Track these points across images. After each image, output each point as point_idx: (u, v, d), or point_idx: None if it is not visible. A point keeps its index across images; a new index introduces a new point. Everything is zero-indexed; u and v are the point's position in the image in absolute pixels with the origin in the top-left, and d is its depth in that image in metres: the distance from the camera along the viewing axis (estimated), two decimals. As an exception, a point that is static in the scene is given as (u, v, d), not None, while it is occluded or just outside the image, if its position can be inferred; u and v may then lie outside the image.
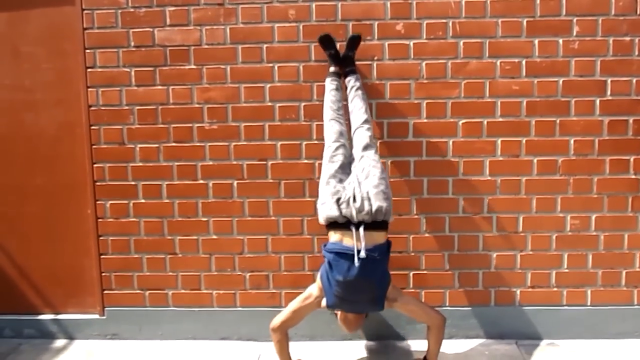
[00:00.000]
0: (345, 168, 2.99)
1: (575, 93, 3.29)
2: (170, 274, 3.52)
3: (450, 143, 3.34)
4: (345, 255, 2.79)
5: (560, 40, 3.26)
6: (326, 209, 2.87)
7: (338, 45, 3.24)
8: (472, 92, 3.31)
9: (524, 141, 3.33)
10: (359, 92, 3.17)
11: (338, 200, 2.84)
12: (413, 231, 3.41)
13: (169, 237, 3.50)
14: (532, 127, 3.32)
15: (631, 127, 3.29)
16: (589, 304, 3.41)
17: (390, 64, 3.32)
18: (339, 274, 2.80)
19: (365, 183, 2.88)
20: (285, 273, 3.47)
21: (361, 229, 2.79)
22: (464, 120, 3.33)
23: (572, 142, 3.32)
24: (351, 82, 3.20)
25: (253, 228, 3.46)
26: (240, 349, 3.43)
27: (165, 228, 3.49)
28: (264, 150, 3.40)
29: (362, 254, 2.75)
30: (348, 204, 2.82)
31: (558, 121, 3.31)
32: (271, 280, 3.49)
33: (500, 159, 3.34)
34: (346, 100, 3.21)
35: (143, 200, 3.48)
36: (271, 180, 3.42)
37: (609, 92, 3.28)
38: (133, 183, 3.47)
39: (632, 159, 3.31)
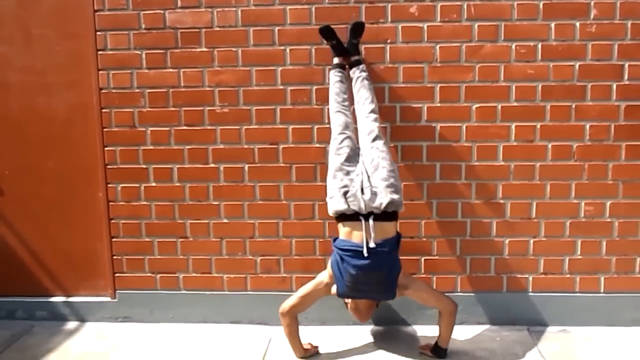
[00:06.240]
0: (352, 160, 2.97)
1: (591, 77, 3.23)
2: (182, 257, 3.53)
3: (464, 128, 3.30)
4: (355, 251, 2.81)
5: (577, 24, 3.20)
6: (334, 203, 2.88)
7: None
8: (487, 76, 3.26)
9: (538, 126, 3.28)
10: (365, 82, 3.13)
11: (345, 193, 2.84)
12: (425, 216, 3.39)
13: (180, 221, 3.50)
14: (547, 112, 3.27)
15: (648, 112, 3.24)
16: (602, 291, 3.38)
17: (403, 47, 3.27)
18: (350, 267, 2.82)
19: (375, 176, 2.87)
20: (296, 257, 3.47)
21: (370, 221, 2.79)
22: (477, 105, 3.29)
23: (587, 127, 3.27)
24: (356, 72, 3.15)
25: (264, 212, 3.45)
26: (251, 333, 3.44)
27: (176, 212, 3.49)
28: (275, 134, 3.38)
29: (372, 244, 2.76)
30: (355, 196, 2.82)
31: (574, 106, 3.26)
32: (282, 265, 3.49)
33: (514, 144, 3.30)
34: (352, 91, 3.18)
35: (154, 184, 3.48)
36: (282, 164, 3.40)
37: (626, 77, 3.22)
38: (144, 166, 3.47)
39: (648, 145, 3.27)
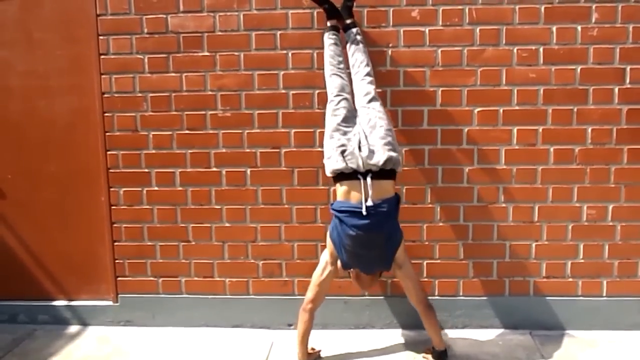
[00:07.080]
0: (349, 121, 2.95)
1: (593, 81, 3.23)
2: (184, 261, 3.53)
3: (466, 131, 3.31)
4: (353, 212, 2.78)
5: (579, 27, 3.20)
6: (332, 162, 2.85)
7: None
8: (488, 80, 3.27)
9: (540, 130, 3.28)
10: (360, 45, 3.10)
11: (343, 152, 2.82)
12: (427, 220, 3.39)
13: (182, 225, 3.50)
14: (548, 115, 3.27)
15: (650, 115, 3.24)
16: (604, 294, 3.38)
17: (405, 51, 3.28)
18: (349, 228, 2.78)
19: (373, 135, 2.85)
20: (298, 261, 3.46)
21: (368, 179, 2.77)
22: (479, 109, 3.29)
23: (589, 131, 3.27)
24: (351, 35, 3.13)
25: (266, 216, 3.45)
26: (253, 337, 3.44)
27: (178, 216, 3.49)
28: (277, 138, 3.39)
29: (370, 202, 2.74)
30: (353, 154, 2.80)
31: (575, 110, 3.26)
32: (284, 268, 3.48)
33: (516, 147, 3.30)
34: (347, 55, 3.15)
35: (156, 188, 3.48)
36: (284, 168, 3.40)
37: (628, 80, 3.23)
38: (146, 170, 3.47)
39: (650, 149, 3.27)
